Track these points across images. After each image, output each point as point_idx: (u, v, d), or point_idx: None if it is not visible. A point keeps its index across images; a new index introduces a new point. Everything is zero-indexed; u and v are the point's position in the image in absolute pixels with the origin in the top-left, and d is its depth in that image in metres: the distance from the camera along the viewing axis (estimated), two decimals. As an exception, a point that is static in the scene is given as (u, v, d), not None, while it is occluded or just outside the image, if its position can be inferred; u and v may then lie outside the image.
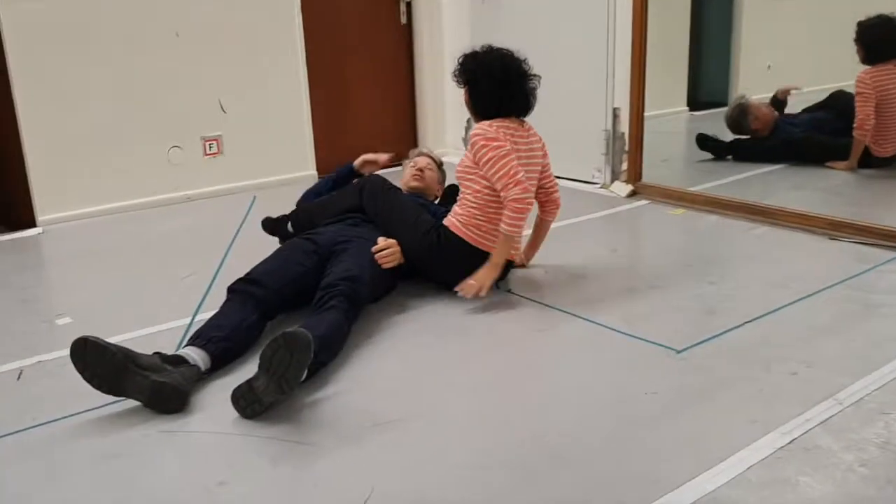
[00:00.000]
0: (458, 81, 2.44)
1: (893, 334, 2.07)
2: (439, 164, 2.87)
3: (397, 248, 2.37)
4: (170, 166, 3.75)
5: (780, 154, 3.97)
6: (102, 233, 3.36)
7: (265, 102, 3.97)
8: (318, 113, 4.16)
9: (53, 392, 1.90)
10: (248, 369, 1.91)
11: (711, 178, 3.83)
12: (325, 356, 1.89)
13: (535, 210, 2.52)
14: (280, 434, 1.67)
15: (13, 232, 3.39)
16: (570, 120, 3.71)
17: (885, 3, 3.60)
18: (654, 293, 2.42)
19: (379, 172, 2.81)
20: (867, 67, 3.64)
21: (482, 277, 2.30)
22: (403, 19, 4.46)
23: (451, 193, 2.67)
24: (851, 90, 3.74)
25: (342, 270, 2.15)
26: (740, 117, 4.12)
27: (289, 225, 2.69)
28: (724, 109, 4.31)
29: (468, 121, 4.28)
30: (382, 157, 2.82)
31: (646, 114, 3.59)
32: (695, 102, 4.87)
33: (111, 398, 1.78)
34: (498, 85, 2.36)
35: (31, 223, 3.43)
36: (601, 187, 3.76)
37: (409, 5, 4.45)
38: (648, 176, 3.65)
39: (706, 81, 4.93)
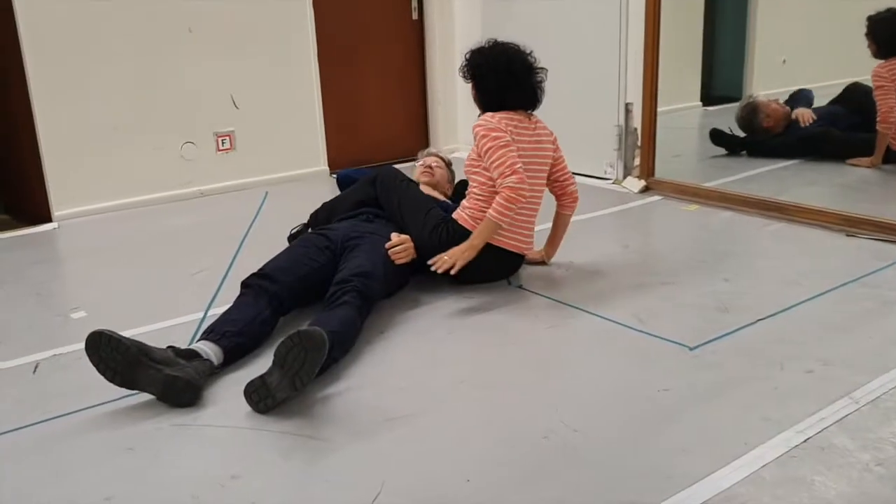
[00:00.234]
0: (464, 77, 2.45)
1: (911, 332, 2.04)
2: (448, 164, 2.90)
3: (410, 245, 2.37)
4: (183, 162, 3.77)
5: (795, 149, 3.92)
6: (116, 228, 3.38)
7: (277, 98, 3.98)
8: (330, 109, 4.17)
9: (68, 385, 1.92)
10: (260, 364, 1.92)
11: (725, 173, 3.80)
12: (337, 352, 1.90)
13: (538, 207, 2.51)
14: (292, 429, 1.68)
15: (29, 227, 3.42)
16: (583, 115, 3.69)
17: (897, -4, 3.55)
18: (666, 290, 2.41)
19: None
20: (882, 61, 3.59)
21: (456, 253, 2.29)
22: (415, 14, 4.45)
23: (461, 188, 2.67)
24: (866, 84, 3.69)
25: (355, 266, 2.16)
26: (752, 116, 4.07)
27: (308, 230, 2.69)
28: (739, 103, 4.27)
29: (479, 115, 4.27)
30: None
31: (659, 109, 3.56)
32: (708, 97, 4.83)
33: (125, 391, 1.80)
34: (502, 79, 2.36)
35: (47, 218, 3.46)
36: (613, 183, 3.74)
37: (420, 1, 4.44)
38: (661, 171, 3.62)
39: (720, 76, 4.89)
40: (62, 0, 3.35)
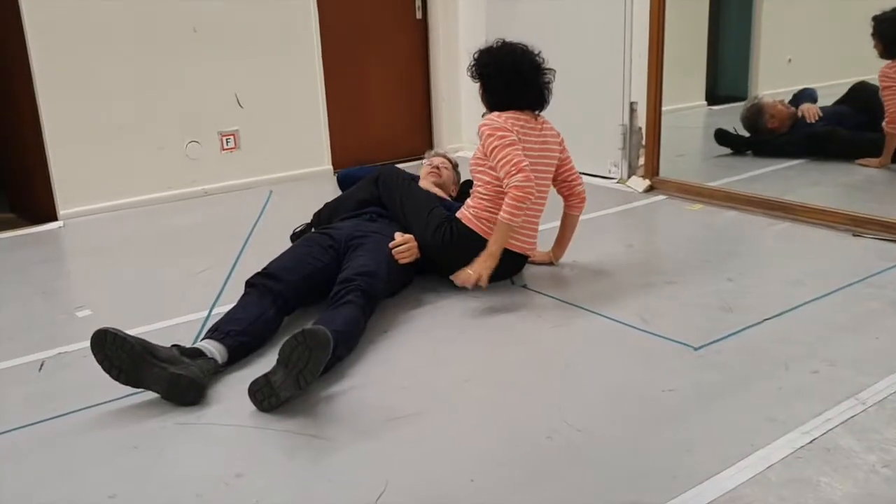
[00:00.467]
0: (472, 76, 2.45)
1: (917, 333, 2.03)
2: (455, 166, 2.91)
3: (414, 244, 2.37)
4: (187, 161, 3.77)
5: (801, 149, 3.91)
6: (121, 226, 3.39)
7: (281, 98, 3.98)
8: (334, 108, 4.17)
9: (73, 383, 1.92)
10: (264, 363, 1.92)
11: (730, 173, 3.79)
12: (340, 351, 1.90)
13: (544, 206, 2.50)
14: (296, 427, 1.68)
15: (34, 225, 3.43)
16: (587, 114, 3.68)
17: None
18: (671, 289, 2.40)
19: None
20: (889, 61, 3.57)
21: (479, 267, 2.28)
22: (419, 14, 4.45)
23: (466, 188, 2.67)
24: (872, 84, 3.67)
25: (359, 265, 2.16)
26: (756, 117, 4.06)
27: (312, 230, 2.70)
28: (743, 104, 4.25)
29: (483, 115, 4.27)
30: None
31: (663, 108, 3.55)
32: (713, 97, 4.81)
33: (130, 389, 1.80)
34: (509, 79, 2.36)
35: (53, 217, 3.47)
36: (618, 182, 3.73)
37: (424, 0, 4.43)
38: (666, 171, 3.61)
39: (725, 75, 4.87)
40: (68, 0, 3.36)
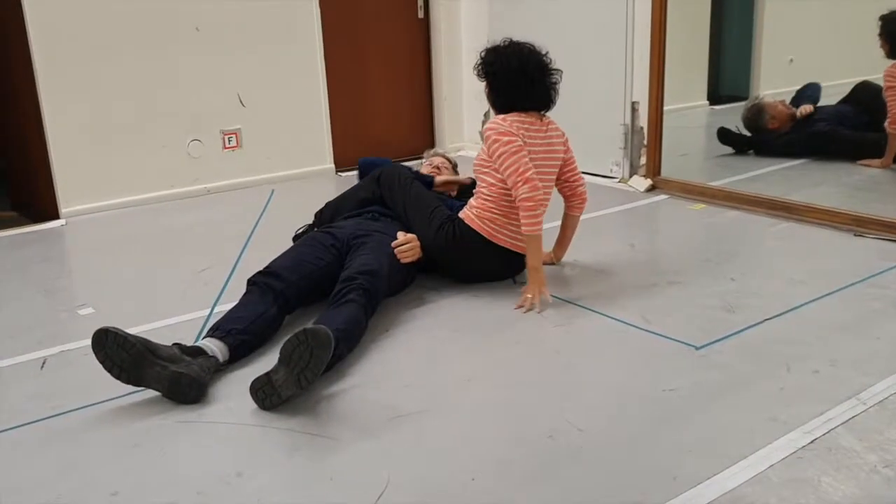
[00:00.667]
0: (478, 75, 2.45)
1: (919, 333, 2.03)
2: (454, 166, 2.91)
3: (416, 243, 2.37)
4: (189, 159, 3.78)
5: (804, 148, 3.91)
6: (123, 225, 3.39)
7: (284, 96, 3.98)
8: (336, 107, 4.17)
9: (75, 381, 1.93)
10: (266, 361, 1.93)
11: (732, 172, 3.79)
12: (342, 349, 1.90)
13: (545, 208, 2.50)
14: (297, 426, 1.68)
15: (36, 224, 3.44)
16: (589, 113, 3.68)
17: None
18: (672, 289, 2.40)
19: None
20: (894, 61, 3.56)
21: (532, 287, 2.27)
22: (421, 13, 4.45)
23: (469, 187, 2.67)
24: (875, 84, 3.66)
25: (361, 264, 2.16)
26: (757, 117, 4.06)
27: (314, 230, 2.69)
28: (745, 103, 4.25)
29: (486, 114, 4.27)
30: (463, 179, 2.79)
31: (665, 108, 3.55)
32: (715, 96, 4.81)
33: (131, 388, 1.81)
34: (515, 79, 2.35)
35: (55, 215, 3.48)
36: (619, 181, 3.73)
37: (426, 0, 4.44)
38: (667, 170, 3.61)
39: (726, 75, 4.87)
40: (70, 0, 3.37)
